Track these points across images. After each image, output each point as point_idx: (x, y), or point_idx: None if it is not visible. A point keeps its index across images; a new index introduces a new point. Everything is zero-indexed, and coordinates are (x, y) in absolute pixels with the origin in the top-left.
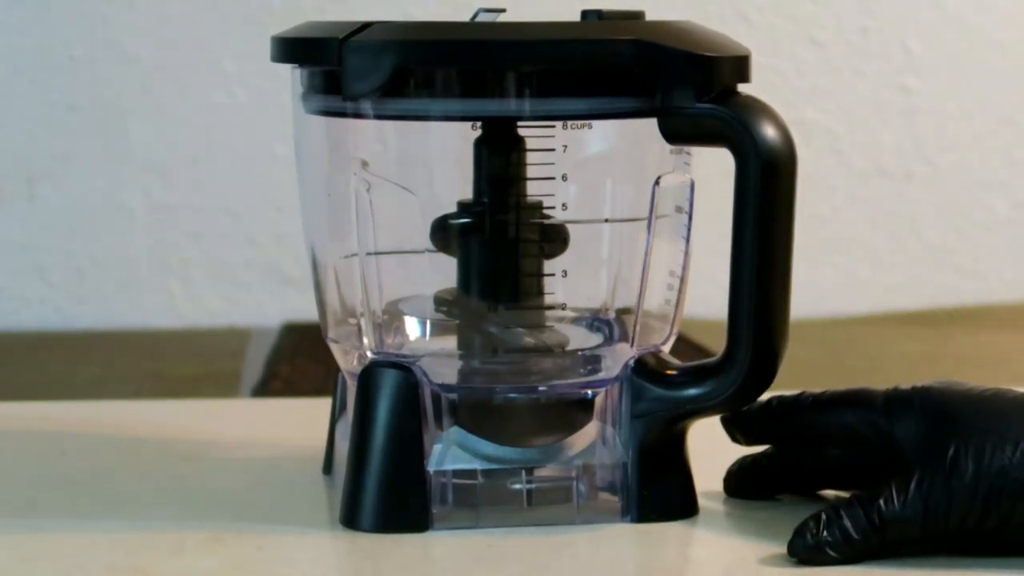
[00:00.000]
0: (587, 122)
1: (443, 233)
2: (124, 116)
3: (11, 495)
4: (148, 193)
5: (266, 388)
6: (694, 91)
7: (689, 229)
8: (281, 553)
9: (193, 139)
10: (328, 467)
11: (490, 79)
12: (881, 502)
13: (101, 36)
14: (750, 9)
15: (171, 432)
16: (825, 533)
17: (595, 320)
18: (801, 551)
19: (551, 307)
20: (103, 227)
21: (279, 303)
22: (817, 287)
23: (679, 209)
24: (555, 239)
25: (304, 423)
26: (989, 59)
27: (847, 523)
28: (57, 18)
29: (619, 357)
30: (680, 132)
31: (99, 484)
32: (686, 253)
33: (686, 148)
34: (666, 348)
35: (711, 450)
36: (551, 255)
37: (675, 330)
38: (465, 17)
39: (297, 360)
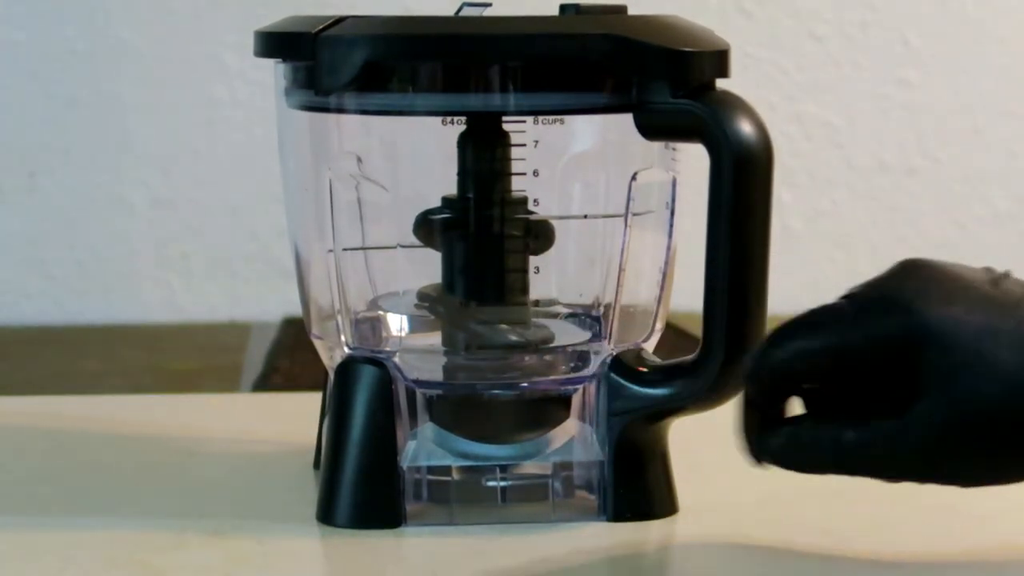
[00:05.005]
0: (566, 117)
1: (427, 228)
2: (125, 110)
3: (11, 489)
4: (149, 187)
5: (266, 382)
6: (669, 86)
7: (672, 225)
8: (282, 548)
9: (194, 133)
10: (318, 463)
11: (465, 74)
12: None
13: (102, 30)
14: (750, 3)
15: (171, 426)
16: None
17: (587, 317)
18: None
19: (536, 303)
20: (104, 221)
21: (280, 297)
22: (817, 282)
23: (666, 205)
24: (539, 235)
25: (304, 417)
26: (989, 53)
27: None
28: (58, 12)
29: (603, 354)
30: (655, 127)
31: (99, 478)
32: (668, 249)
33: (672, 144)
34: (649, 345)
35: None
36: (535, 251)
37: (658, 327)
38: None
39: (297, 354)
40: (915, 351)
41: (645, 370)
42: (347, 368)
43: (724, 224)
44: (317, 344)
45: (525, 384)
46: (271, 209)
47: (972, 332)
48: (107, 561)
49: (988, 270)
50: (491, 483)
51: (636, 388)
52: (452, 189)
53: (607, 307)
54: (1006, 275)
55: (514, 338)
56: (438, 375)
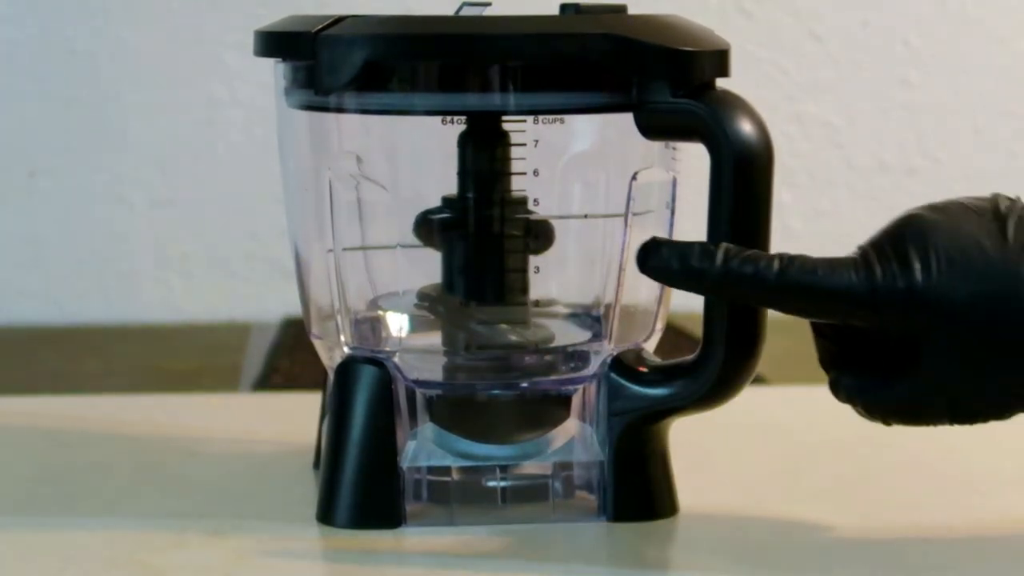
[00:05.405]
0: (567, 116)
1: (427, 228)
2: (124, 110)
3: (10, 489)
4: (148, 186)
5: (266, 382)
6: (669, 86)
7: (672, 225)
8: (282, 548)
9: (193, 132)
10: (318, 463)
11: (465, 73)
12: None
13: (101, 29)
14: (750, 3)
15: (171, 426)
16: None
17: (587, 316)
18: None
19: (536, 303)
20: (103, 221)
21: (279, 297)
22: None
23: (666, 205)
24: (539, 235)
25: (304, 417)
26: (990, 53)
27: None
28: (58, 12)
29: (603, 354)
30: (655, 127)
31: (99, 478)
32: None
33: (672, 143)
34: (649, 345)
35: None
36: (535, 251)
37: (659, 327)
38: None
39: (297, 354)
40: (924, 334)
41: (645, 370)
42: (347, 368)
43: (724, 224)
44: (317, 344)
45: (525, 384)
46: (271, 209)
47: (983, 312)
48: (107, 561)
49: (995, 206)
50: (491, 483)
51: (636, 388)
52: (452, 189)
53: (607, 307)
54: (1014, 206)
55: (514, 338)
56: (438, 375)
